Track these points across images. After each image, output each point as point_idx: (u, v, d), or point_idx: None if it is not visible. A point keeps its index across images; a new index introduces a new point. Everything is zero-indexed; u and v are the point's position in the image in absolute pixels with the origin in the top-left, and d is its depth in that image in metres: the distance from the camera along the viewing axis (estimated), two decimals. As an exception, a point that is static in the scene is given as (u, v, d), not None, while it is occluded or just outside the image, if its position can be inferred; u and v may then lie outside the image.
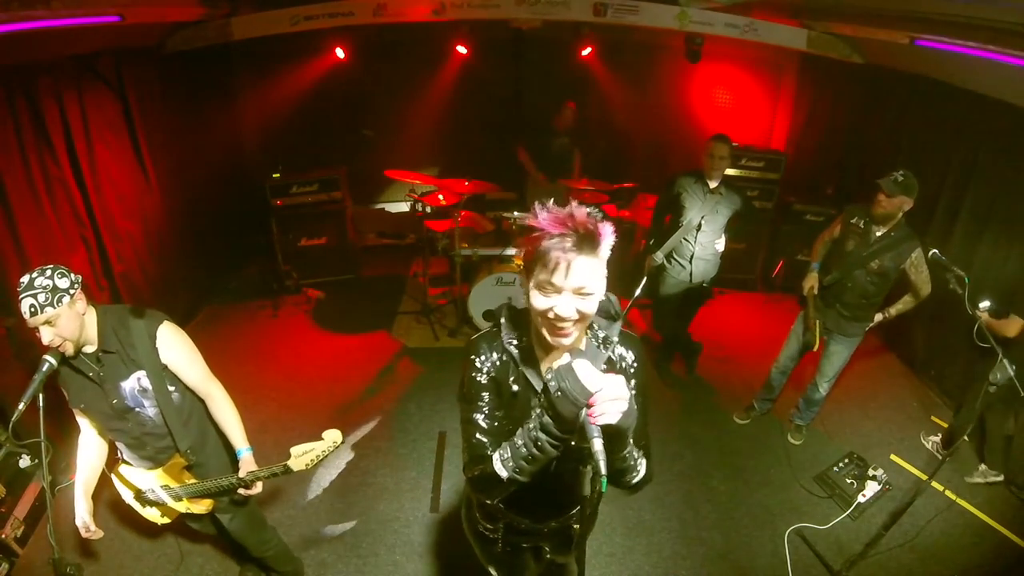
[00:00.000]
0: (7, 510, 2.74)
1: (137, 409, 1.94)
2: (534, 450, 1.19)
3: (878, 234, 2.97)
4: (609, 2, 4.28)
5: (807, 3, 4.24)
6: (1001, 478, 3.28)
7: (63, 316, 1.71)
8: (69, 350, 1.77)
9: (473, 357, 1.39)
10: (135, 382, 1.90)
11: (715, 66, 5.68)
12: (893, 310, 3.11)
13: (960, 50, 3.07)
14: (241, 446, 2.13)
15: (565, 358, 1.15)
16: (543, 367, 1.40)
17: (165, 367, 1.95)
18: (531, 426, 1.20)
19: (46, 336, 1.70)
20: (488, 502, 1.63)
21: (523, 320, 1.41)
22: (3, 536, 2.66)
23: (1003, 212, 3.57)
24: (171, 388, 1.99)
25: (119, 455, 2.14)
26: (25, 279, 1.67)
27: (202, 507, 2.17)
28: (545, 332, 1.25)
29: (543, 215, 1.18)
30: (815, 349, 3.28)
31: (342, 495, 3.22)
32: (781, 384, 3.69)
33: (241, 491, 2.09)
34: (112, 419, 1.93)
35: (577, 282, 1.17)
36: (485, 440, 1.35)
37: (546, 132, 5.46)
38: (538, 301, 1.21)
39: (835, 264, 3.17)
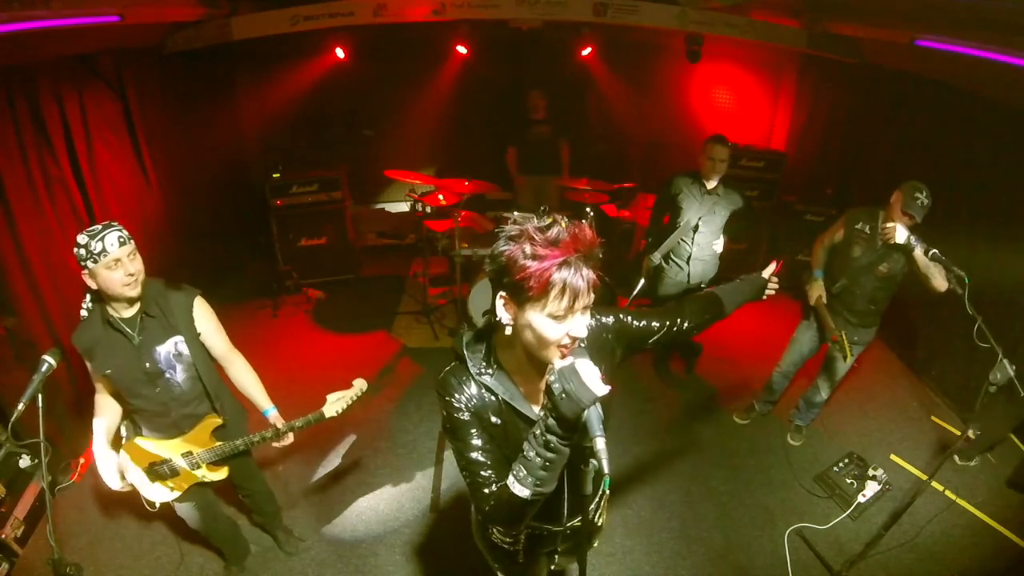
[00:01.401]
0: (7, 510, 2.74)
1: (168, 374, 2.02)
2: (548, 454, 1.16)
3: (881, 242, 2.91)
4: (609, 2, 4.28)
5: (807, 3, 4.24)
6: (973, 463, 3.39)
7: (138, 254, 1.88)
8: (137, 290, 1.88)
9: (448, 398, 1.33)
10: (172, 346, 2.01)
11: (715, 66, 5.69)
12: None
13: (960, 50, 3.07)
14: (267, 406, 2.32)
15: (567, 360, 1.15)
16: (526, 392, 1.37)
17: (199, 334, 2.09)
18: (538, 432, 1.18)
19: (131, 266, 1.84)
20: (514, 532, 1.60)
21: (483, 345, 1.36)
22: (3, 536, 2.66)
23: (1003, 212, 3.57)
24: (203, 353, 2.12)
25: (127, 433, 2.16)
26: (97, 226, 1.80)
27: (219, 473, 2.23)
28: (551, 355, 1.21)
29: (543, 241, 1.10)
30: (848, 362, 3.09)
31: (342, 495, 3.22)
32: (783, 387, 3.68)
33: (274, 444, 2.27)
34: (141, 384, 1.98)
35: (592, 297, 1.15)
36: (490, 473, 1.30)
37: (524, 124, 5.46)
38: (554, 332, 1.16)
39: (840, 271, 3.09)
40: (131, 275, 1.84)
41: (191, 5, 3.95)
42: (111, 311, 1.91)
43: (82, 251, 1.78)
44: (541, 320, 1.15)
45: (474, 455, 1.30)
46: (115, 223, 1.85)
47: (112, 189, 3.91)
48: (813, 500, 3.24)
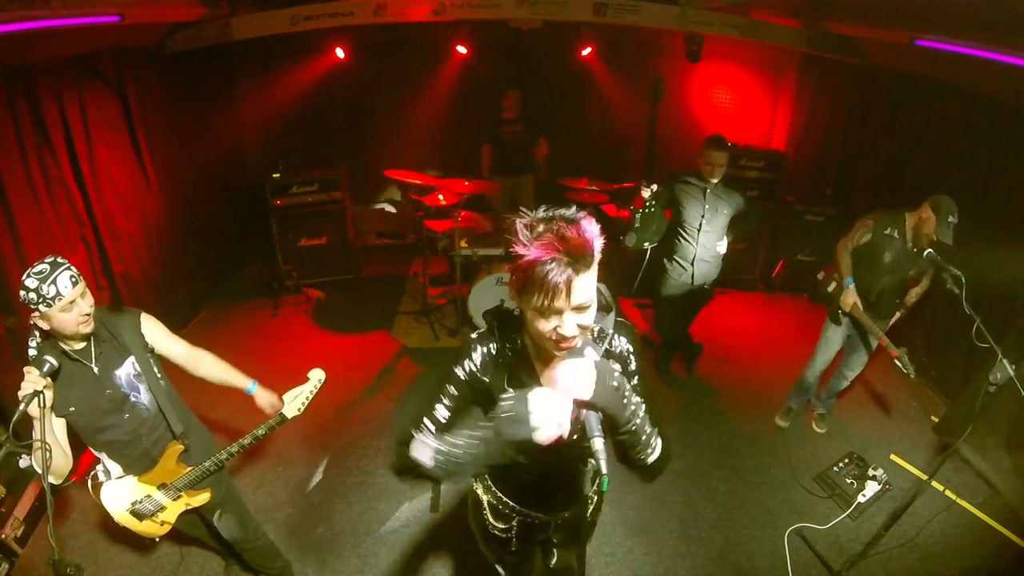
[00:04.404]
0: (7, 510, 2.74)
1: (132, 397, 1.97)
2: (467, 458, 1.21)
3: (912, 246, 3.02)
4: (609, 2, 4.28)
5: (807, 3, 4.24)
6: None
7: (87, 288, 1.81)
8: (91, 326, 1.83)
9: (470, 354, 1.38)
10: (130, 367, 1.97)
11: (715, 66, 5.68)
12: (909, 302, 3.22)
13: (960, 50, 3.07)
14: (248, 384, 2.28)
15: (565, 363, 1.16)
16: (542, 375, 1.39)
17: (152, 351, 2.05)
18: (473, 433, 1.21)
19: (85, 306, 1.78)
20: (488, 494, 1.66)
21: (516, 323, 1.38)
22: (3, 536, 2.66)
23: (1002, 212, 3.57)
24: (159, 375, 2.05)
25: (99, 477, 2.09)
26: (43, 266, 1.70)
27: (202, 498, 2.17)
28: (548, 348, 1.23)
29: (530, 238, 1.11)
30: (913, 377, 3.09)
31: (342, 495, 3.22)
32: (816, 384, 3.72)
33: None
34: (107, 414, 1.94)
35: (577, 301, 1.13)
36: (432, 427, 1.36)
37: (498, 123, 5.43)
38: (540, 325, 1.17)
39: (870, 275, 3.17)
40: (86, 314, 1.78)
41: (191, 5, 3.95)
42: (63, 345, 1.85)
43: (32, 295, 1.66)
44: (529, 312, 1.19)
45: (437, 407, 1.37)
46: (61, 260, 1.75)
47: (112, 189, 3.91)
48: (813, 500, 3.24)
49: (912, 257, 3.01)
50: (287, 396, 2.17)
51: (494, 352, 1.37)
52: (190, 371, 2.19)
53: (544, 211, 1.15)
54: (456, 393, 1.38)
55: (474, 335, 1.41)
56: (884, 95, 4.67)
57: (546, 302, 1.11)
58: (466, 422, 1.36)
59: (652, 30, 4.78)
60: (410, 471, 1.32)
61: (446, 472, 1.25)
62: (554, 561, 1.89)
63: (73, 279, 1.74)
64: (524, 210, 1.16)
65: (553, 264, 1.08)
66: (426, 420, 1.36)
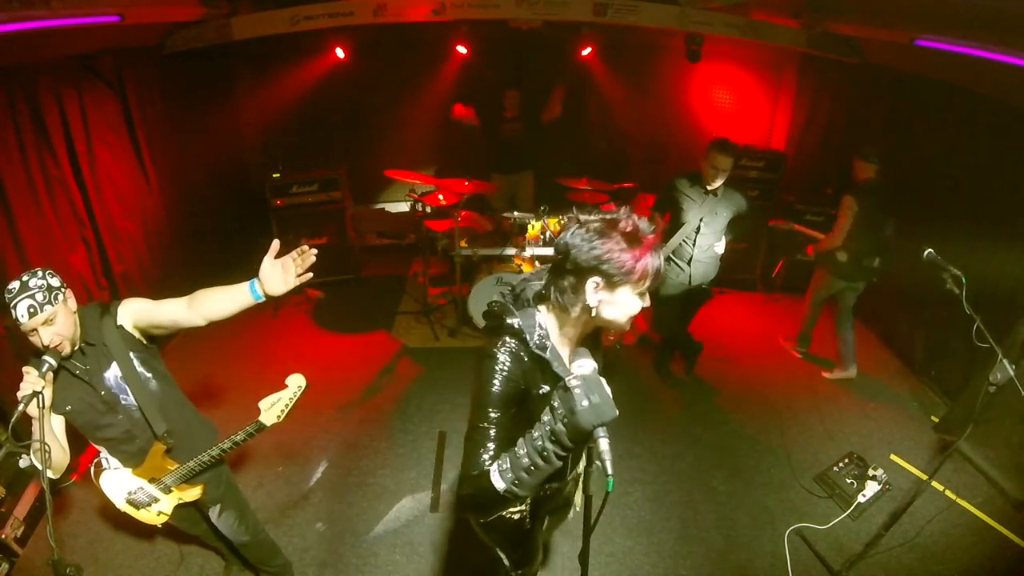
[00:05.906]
0: (7, 510, 2.74)
1: (123, 399, 1.96)
2: (538, 460, 1.19)
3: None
4: (609, 2, 4.28)
5: (807, 3, 4.24)
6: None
7: (60, 314, 1.74)
8: (67, 349, 1.78)
9: (496, 366, 1.36)
10: (116, 370, 1.94)
11: (715, 66, 5.68)
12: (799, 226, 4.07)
13: (960, 50, 3.07)
14: (245, 285, 1.95)
15: (581, 361, 1.22)
16: (569, 364, 1.45)
17: (137, 348, 1.97)
18: (536, 435, 1.20)
19: (46, 336, 1.71)
20: (481, 521, 1.66)
21: (534, 322, 1.42)
22: (3, 536, 2.66)
23: (1003, 212, 3.57)
24: (148, 375, 2.01)
25: (103, 464, 2.11)
26: (15, 284, 1.67)
27: (194, 493, 2.16)
28: (626, 326, 1.40)
29: (635, 236, 1.31)
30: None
31: (342, 495, 3.22)
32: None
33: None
34: (103, 414, 1.94)
35: None
36: (492, 454, 1.31)
37: (496, 120, 5.40)
38: (634, 307, 1.36)
39: None
40: (46, 345, 1.71)
41: (191, 5, 3.95)
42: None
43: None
44: (631, 298, 1.35)
45: (490, 429, 1.34)
46: (38, 280, 1.69)
47: (112, 189, 3.91)
48: (813, 500, 3.24)
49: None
50: (263, 403, 2.06)
51: (520, 352, 1.38)
52: (194, 323, 1.97)
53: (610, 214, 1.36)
54: (504, 409, 1.35)
55: (493, 348, 1.39)
56: (884, 95, 4.67)
57: (653, 284, 1.36)
58: (518, 432, 1.33)
59: (652, 30, 4.77)
60: (490, 505, 1.36)
61: (523, 484, 1.22)
62: (544, 527, 1.91)
63: (32, 309, 1.65)
64: (583, 214, 1.38)
65: (656, 254, 1.33)
66: (484, 456, 1.31)
